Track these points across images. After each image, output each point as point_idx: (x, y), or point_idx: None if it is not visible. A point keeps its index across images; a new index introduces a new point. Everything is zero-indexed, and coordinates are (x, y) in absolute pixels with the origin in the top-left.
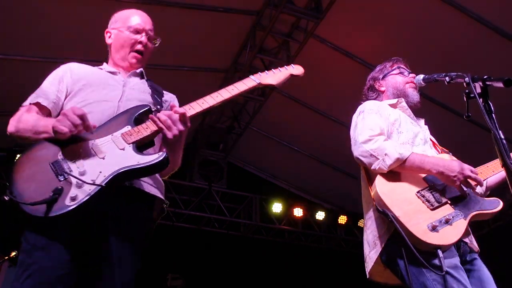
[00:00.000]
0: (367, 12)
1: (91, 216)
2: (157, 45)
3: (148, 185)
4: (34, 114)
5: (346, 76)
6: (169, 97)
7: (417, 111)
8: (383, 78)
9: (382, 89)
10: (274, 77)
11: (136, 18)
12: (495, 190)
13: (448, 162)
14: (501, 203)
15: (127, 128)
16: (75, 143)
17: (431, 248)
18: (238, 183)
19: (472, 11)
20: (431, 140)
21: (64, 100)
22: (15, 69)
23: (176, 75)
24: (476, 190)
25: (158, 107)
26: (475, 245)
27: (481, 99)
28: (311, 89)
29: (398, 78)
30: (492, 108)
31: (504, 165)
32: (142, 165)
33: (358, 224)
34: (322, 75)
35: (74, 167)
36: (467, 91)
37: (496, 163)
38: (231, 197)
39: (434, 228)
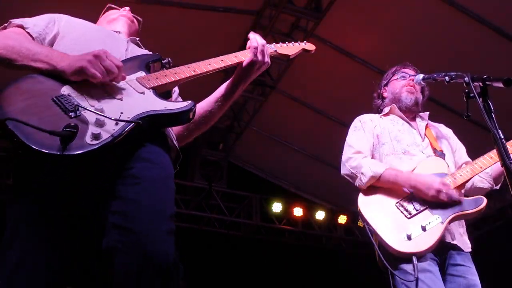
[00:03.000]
0: (367, 12)
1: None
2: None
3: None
4: (24, 35)
5: (346, 76)
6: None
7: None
8: (386, 84)
9: (385, 95)
10: (290, 49)
11: None
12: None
13: (420, 177)
14: (485, 200)
15: (141, 73)
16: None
17: (407, 256)
18: (238, 183)
19: (472, 11)
20: (428, 139)
21: (53, 43)
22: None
23: None
24: (479, 185)
25: (169, 59)
26: (466, 243)
27: (480, 99)
28: (311, 89)
29: (397, 83)
30: (492, 108)
31: (504, 165)
32: (170, 111)
33: (358, 224)
34: (322, 75)
35: (87, 104)
36: (466, 90)
37: (485, 158)
38: (231, 197)
39: (409, 237)
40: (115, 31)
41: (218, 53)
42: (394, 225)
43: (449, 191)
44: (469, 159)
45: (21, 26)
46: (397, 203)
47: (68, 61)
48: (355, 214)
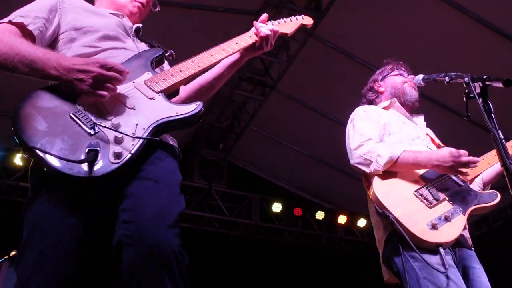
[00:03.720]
0: (367, 11)
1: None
2: (156, 9)
3: (167, 137)
4: (19, 37)
5: (346, 76)
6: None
7: (417, 109)
8: (382, 79)
9: (381, 89)
10: (287, 26)
11: None
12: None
13: (439, 153)
14: (499, 195)
15: (148, 74)
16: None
17: (433, 247)
18: (238, 183)
19: (472, 11)
20: (428, 135)
21: (55, 35)
22: None
23: None
24: (472, 186)
25: (171, 51)
26: (469, 238)
27: (480, 99)
28: (311, 89)
29: (397, 79)
30: (492, 108)
31: (504, 165)
32: (181, 116)
33: (358, 224)
34: (322, 75)
35: (104, 119)
36: (466, 91)
37: (491, 155)
38: (231, 197)
39: (434, 227)
40: (117, 14)
41: None
42: (416, 213)
43: (472, 158)
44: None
45: (21, 25)
46: (415, 191)
47: (70, 75)
48: (355, 214)
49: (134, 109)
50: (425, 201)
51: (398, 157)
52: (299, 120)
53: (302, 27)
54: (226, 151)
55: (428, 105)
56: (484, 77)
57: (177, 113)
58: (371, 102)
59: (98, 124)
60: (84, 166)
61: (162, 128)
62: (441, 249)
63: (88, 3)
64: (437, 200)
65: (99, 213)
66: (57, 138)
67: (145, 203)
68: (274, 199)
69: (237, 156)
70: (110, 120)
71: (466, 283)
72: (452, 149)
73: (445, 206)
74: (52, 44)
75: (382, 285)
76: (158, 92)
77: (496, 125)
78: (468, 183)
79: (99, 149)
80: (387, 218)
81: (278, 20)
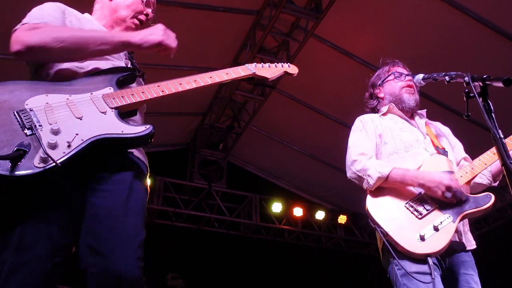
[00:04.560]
0: (367, 11)
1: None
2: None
3: (139, 153)
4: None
5: (346, 76)
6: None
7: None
8: (380, 84)
9: (381, 95)
10: (269, 71)
11: None
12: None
13: (427, 174)
14: (493, 198)
15: (109, 89)
16: (45, 93)
17: (421, 257)
18: (238, 183)
19: (472, 11)
20: (429, 136)
21: None
22: (11, 69)
23: (176, 75)
24: (479, 181)
25: (142, 72)
26: (470, 241)
27: (480, 99)
28: (311, 89)
29: (394, 84)
30: (492, 108)
31: (504, 165)
32: (126, 136)
33: (358, 224)
34: (322, 75)
35: (45, 122)
36: (466, 90)
37: (488, 154)
38: (231, 197)
39: (422, 238)
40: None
41: (218, 52)
42: (406, 226)
43: (458, 189)
44: (466, 155)
45: (41, 26)
46: (406, 203)
47: (140, 35)
48: (355, 214)
49: (81, 120)
50: (415, 212)
51: (388, 176)
52: (299, 120)
53: (285, 74)
54: (226, 151)
55: (428, 105)
56: (484, 76)
57: (122, 131)
58: (373, 109)
59: (37, 126)
60: (7, 163)
61: (105, 143)
62: (429, 259)
63: (87, 16)
64: (427, 210)
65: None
66: None
67: (113, 235)
68: (274, 199)
69: (237, 156)
70: (51, 125)
71: None
72: (444, 174)
73: (435, 216)
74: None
75: (382, 285)
76: (112, 108)
77: (496, 124)
78: (462, 187)
79: (27, 150)
80: (379, 232)
81: (262, 64)
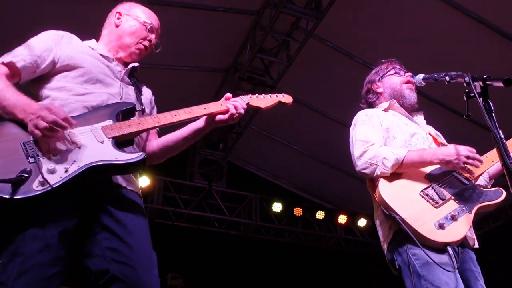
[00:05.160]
0: (367, 11)
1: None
2: (158, 50)
3: (133, 188)
4: (3, 81)
5: (346, 76)
6: (149, 92)
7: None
8: (379, 79)
9: (380, 90)
10: (263, 101)
11: (154, 18)
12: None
13: (444, 149)
14: (504, 193)
15: (109, 122)
16: None
17: (441, 246)
18: (238, 183)
19: (472, 11)
20: (430, 134)
21: (47, 70)
22: None
23: (176, 75)
24: (478, 182)
25: (143, 107)
26: (474, 239)
27: (481, 99)
28: (311, 89)
29: (395, 79)
30: (492, 108)
31: (504, 164)
32: (119, 162)
33: (358, 224)
34: (322, 75)
35: (47, 148)
36: (467, 90)
37: (495, 152)
38: (231, 197)
39: (441, 226)
40: (105, 57)
41: (218, 53)
42: (422, 213)
43: (476, 156)
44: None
45: (11, 64)
46: (421, 191)
47: (23, 115)
48: (355, 214)
49: (79, 148)
50: (431, 201)
51: (404, 157)
52: (299, 120)
53: (279, 104)
54: (226, 151)
55: (428, 105)
56: (485, 76)
57: (116, 158)
58: (371, 104)
59: (39, 155)
60: (9, 187)
61: (101, 170)
62: (449, 249)
63: (87, 43)
64: (443, 199)
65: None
66: (0, 160)
67: (137, 252)
68: (274, 199)
69: (237, 156)
70: (51, 152)
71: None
72: (458, 145)
73: (451, 205)
74: (47, 75)
75: (382, 285)
76: (109, 138)
77: (497, 124)
78: (473, 181)
79: (28, 175)
80: (394, 219)
81: (256, 94)
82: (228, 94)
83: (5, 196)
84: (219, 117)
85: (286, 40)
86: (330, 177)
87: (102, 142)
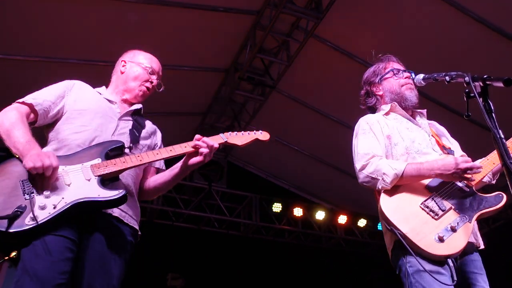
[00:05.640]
0: (367, 11)
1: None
2: (160, 90)
3: (129, 217)
4: (21, 119)
5: (346, 76)
6: (153, 128)
7: (417, 107)
8: (378, 82)
9: (380, 93)
10: (241, 138)
11: (155, 62)
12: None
13: (442, 162)
14: (505, 197)
15: (98, 160)
16: None
17: (441, 259)
18: (238, 183)
19: (472, 11)
20: (433, 136)
21: (59, 114)
22: (10, 69)
23: (176, 75)
24: (484, 180)
25: (131, 145)
26: (480, 242)
27: (481, 99)
28: (311, 89)
29: (393, 81)
30: (492, 108)
31: (504, 165)
32: (101, 199)
33: (358, 224)
34: (322, 75)
35: (40, 190)
36: (467, 90)
37: (496, 154)
38: (231, 197)
39: (440, 239)
40: (109, 101)
41: (218, 53)
42: (423, 227)
43: (474, 165)
44: (463, 153)
45: (31, 105)
46: (421, 204)
47: (26, 158)
48: (355, 214)
49: (69, 186)
50: (431, 213)
51: (403, 172)
52: (299, 120)
53: (256, 141)
54: (226, 151)
55: (428, 105)
56: (485, 76)
57: (99, 195)
58: (371, 108)
59: (34, 192)
60: (5, 222)
61: (85, 205)
62: (449, 261)
63: (97, 89)
64: (443, 210)
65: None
66: (2, 196)
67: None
68: (274, 199)
69: (237, 156)
70: (44, 190)
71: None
72: (456, 158)
73: (451, 216)
74: (56, 118)
75: (382, 285)
76: (96, 176)
77: (497, 124)
78: (474, 187)
79: (23, 211)
80: (395, 234)
81: (235, 132)
82: (197, 136)
83: (1, 229)
84: (193, 160)
85: (286, 40)
86: (330, 177)
87: (89, 180)
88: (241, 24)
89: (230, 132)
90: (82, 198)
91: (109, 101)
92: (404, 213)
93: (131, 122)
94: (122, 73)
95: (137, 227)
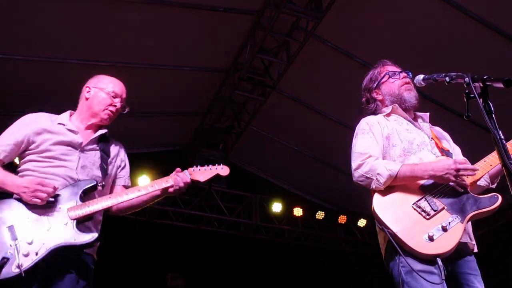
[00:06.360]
0: (367, 11)
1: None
2: (124, 112)
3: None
4: None
5: (346, 76)
6: (117, 149)
7: (419, 109)
8: (377, 87)
9: (380, 98)
10: (203, 174)
11: (117, 85)
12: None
13: (435, 163)
14: (500, 198)
15: (73, 203)
16: (30, 209)
17: (430, 258)
18: (238, 183)
19: (472, 11)
20: (434, 139)
21: (26, 151)
22: (11, 69)
23: (176, 75)
24: (479, 183)
25: (104, 183)
26: (473, 243)
27: (481, 99)
28: (311, 89)
29: (391, 84)
30: (492, 108)
31: (504, 165)
32: (77, 243)
33: (358, 224)
34: (322, 75)
35: (23, 237)
36: (467, 91)
37: (494, 156)
38: (231, 197)
39: (430, 238)
40: (72, 131)
41: (218, 53)
42: (413, 226)
43: (467, 167)
44: (465, 158)
45: None
46: (413, 204)
47: (17, 190)
48: (355, 214)
49: (48, 231)
50: (423, 213)
51: (397, 173)
52: (299, 120)
53: (217, 176)
54: (226, 151)
55: (428, 105)
56: (485, 77)
57: (75, 239)
58: (373, 113)
59: (18, 239)
60: None
61: (64, 249)
62: (438, 260)
63: (60, 118)
64: (435, 210)
65: None
66: None
67: None
68: (274, 199)
69: (237, 156)
70: (27, 238)
71: None
72: (449, 159)
73: (443, 216)
74: (22, 156)
75: (382, 285)
76: (72, 219)
77: (497, 125)
78: (468, 188)
79: (10, 258)
80: (386, 233)
81: (199, 167)
82: (178, 169)
83: None
84: (170, 189)
85: (286, 40)
86: (330, 177)
87: (66, 224)
88: (241, 24)
89: (194, 167)
90: (60, 244)
91: (72, 131)
92: (395, 212)
93: (98, 153)
94: (87, 99)
95: (95, 255)
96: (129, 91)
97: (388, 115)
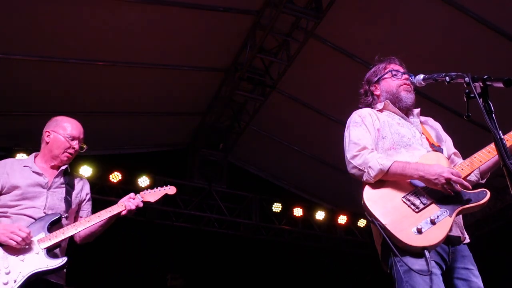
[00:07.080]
0: (367, 11)
1: None
2: (83, 150)
3: (57, 277)
4: None
5: (346, 76)
6: (81, 184)
7: (415, 106)
8: (377, 81)
9: (377, 92)
10: (154, 195)
11: (75, 127)
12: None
13: (428, 166)
14: (488, 193)
15: (42, 235)
16: (5, 245)
17: (419, 250)
18: (238, 183)
19: (472, 11)
20: (424, 134)
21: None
22: (11, 69)
23: (176, 75)
24: (469, 178)
25: (67, 214)
26: (465, 236)
27: (481, 99)
28: (311, 89)
29: (391, 82)
30: (492, 108)
31: (504, 165)
32: (50, 268)
33: (358, 224)
34: (322, 75)
35: (2, 266)
36: (467, 91)
37: (484, 152)
38: (231, 197)
39: (419, 231)
40: (38, 173)
41: (218, 52)
42: (403, 219)
43: (458, 180)
44: (456, 151)
45: None
46: (403, 197)
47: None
48: (355, 214)
49: (23, 261)
50: (412, 206)
51: (388, 168)
52: (299, 120)
53: (166, 196)
54: (226, 151)
55: (428, 105)
56: (485, 77)
57: (47, 265)
58: (368, 106)
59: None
60: None
61: (37, 275)
62: (426, 252)
63: (26, 161)
64: (424, 204)
65: None
66: None
67: None
68: (274, 199)
69: (237, 156)
70: (6, 268)
71: (458, 284)
72: (443, 167)
73: (432, 210)
74: None
75: (382, 285)
76: (42, 249)
77: (497, 125)
78: (454, 190)
79: None
80: (375, 225)
81: (149, 190)
82: (131, 194)
83: None
84: (123, 212)
85: (286, 40)
86: (330, 177)
87: (38, 253)
88: (241, 24)
89: (145, 191)
90: (35, 270)
91: (37, 173)
92: (385, 205)
93: (63, 189)
94: (47, 143)
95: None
96: (129, 91)
97: (380, 111)
